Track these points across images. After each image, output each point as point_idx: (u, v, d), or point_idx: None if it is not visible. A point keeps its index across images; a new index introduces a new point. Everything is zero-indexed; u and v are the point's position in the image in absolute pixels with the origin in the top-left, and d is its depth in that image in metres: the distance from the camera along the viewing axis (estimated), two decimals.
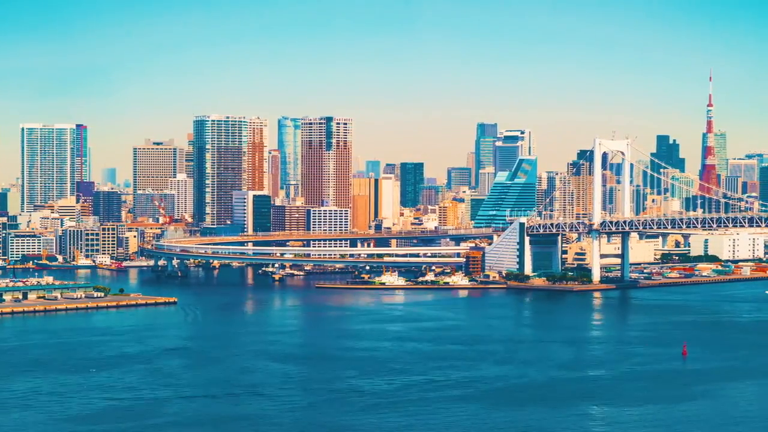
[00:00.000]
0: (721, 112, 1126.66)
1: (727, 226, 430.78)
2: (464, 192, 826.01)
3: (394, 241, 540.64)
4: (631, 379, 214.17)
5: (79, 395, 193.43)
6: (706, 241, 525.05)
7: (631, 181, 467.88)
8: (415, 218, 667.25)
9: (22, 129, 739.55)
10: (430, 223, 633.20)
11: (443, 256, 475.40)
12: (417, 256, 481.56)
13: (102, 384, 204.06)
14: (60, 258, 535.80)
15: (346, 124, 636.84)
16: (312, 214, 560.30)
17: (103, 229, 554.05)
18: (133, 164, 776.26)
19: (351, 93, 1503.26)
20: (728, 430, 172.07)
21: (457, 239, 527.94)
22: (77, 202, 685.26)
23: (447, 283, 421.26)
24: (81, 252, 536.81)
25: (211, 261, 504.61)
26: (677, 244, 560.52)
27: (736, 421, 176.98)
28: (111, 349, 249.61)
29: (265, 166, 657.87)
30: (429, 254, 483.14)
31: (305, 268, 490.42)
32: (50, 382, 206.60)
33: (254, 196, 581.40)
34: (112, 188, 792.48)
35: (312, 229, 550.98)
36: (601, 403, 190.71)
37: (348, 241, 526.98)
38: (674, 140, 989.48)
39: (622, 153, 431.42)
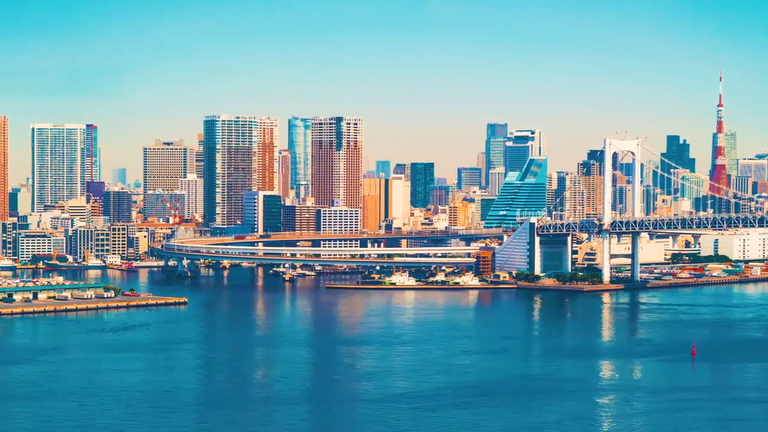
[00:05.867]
0: (731, 112, 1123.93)
1: (738, 226, 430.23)
2: (474, 192, 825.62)
3: (404, 241, 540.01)
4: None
5: None
6: (716, 241, 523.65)
7: (641, 181, 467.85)
8: (425, 218, 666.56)
9: (33, 129, 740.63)
10: (441, 223, 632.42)
11: (453, 257, 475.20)
12: (427, 256, 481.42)
13: None
14: (70, 258, 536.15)
15: (356, 124, 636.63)
16: (322, 215, 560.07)
17: (114, 230, 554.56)
18: (144, 164, 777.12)
19: (361, 93, 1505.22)
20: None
21: (468, 239, 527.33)
22: (87, 202, 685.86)
23: (457, 283, 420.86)
24: (91, 252, 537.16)
25: (221, 261, 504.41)
26: (687, 244, 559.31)
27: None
28: None
29: (276, 166, 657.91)
30: (439, 254, 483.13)
31: (316, 268, 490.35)
32: None
33: (264, 196, 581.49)
34: (122, 188, 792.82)
35: (322, 229, 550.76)
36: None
37: (358, 242, 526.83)
38: (684, 140, 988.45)
39: (633, 153, 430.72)
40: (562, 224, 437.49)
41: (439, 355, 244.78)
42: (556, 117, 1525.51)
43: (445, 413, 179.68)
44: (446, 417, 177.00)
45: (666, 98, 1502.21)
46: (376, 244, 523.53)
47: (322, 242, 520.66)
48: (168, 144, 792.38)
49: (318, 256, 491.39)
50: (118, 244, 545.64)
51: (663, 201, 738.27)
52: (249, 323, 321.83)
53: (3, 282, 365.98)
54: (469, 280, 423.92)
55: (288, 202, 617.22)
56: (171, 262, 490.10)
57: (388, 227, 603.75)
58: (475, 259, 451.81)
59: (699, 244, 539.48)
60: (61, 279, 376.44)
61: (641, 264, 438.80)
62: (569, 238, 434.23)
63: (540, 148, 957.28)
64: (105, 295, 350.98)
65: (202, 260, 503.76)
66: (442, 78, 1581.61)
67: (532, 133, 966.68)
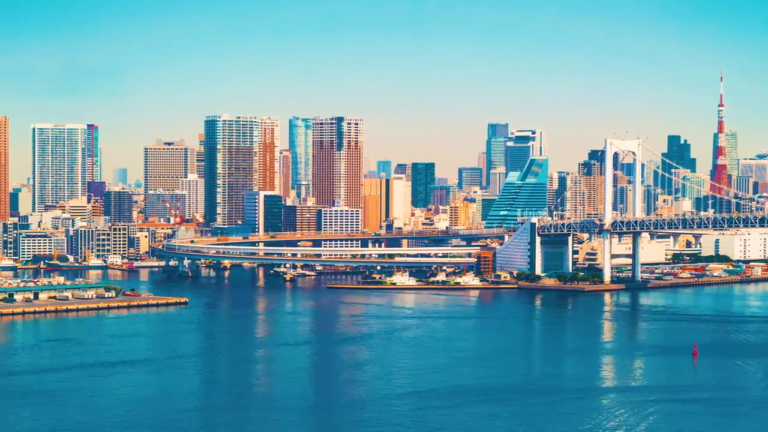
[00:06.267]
0: (732, 112, 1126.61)
1: (738, 226, 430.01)
2: (475, 192, 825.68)
3: (405, 242, 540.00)
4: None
5: None
6: (717, 241, 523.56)
7: (642, 181, 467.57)
8: (426, 218, 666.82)
9: (33, 129, 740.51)
10: (441, 223, 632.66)
11: (454, 257, 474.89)
12: (428, 256, 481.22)
13: None
14: (71, 258, 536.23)
15: (357, 124, 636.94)
16: (323, 215, 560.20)
17: (114, 230, 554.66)
18: (144, 164, 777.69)
19: (362, 93, 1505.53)
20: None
21: (468, 239, 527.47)
22: (88, 202, 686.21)
23: (458, 283, 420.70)
24: (92, 252, 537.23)
25: (221, 261, 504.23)
26: (688, 244, 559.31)
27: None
28: None
29: (276, 166, 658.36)
30: (440, 254, 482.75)
31: (316, 268, 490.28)
32: None
33: (265, 196, 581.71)
34: (123, 188, 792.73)
35: (323, 229, 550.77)
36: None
37: (359, 242, 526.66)
38: (685, 140, 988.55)
39: (633, 153, 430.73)
40: (563, 224, 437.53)
41: (440, 355, 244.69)
42: (556, 117, 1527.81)
43: (446, 414, 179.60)
44: (446, 417, 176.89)
45: (666, 98, 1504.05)
46: (376, 244, 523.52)
47: (322, 242, 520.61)
48: (169, 144, 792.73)
49: (319, 256, 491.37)
50: (119, 244, 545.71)
51: (664, 201, 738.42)
52: (249, 323, 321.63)
53: (4, 282, 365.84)
54: (469, 280, 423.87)
55: (289, 202, 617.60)
56: (172, 262, 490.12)
57: (389, 227, 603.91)
58: (475, 259, 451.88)
59: (700, 244, 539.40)
60: (62, 279, 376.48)
61: (642, 264, 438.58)
62: (570, 238, 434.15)
63: (541, 148, 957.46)
64: (106, 295, 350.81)
65: (203, 260, 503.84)
66: (442, 78, 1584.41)
67: (533, 133, 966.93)
